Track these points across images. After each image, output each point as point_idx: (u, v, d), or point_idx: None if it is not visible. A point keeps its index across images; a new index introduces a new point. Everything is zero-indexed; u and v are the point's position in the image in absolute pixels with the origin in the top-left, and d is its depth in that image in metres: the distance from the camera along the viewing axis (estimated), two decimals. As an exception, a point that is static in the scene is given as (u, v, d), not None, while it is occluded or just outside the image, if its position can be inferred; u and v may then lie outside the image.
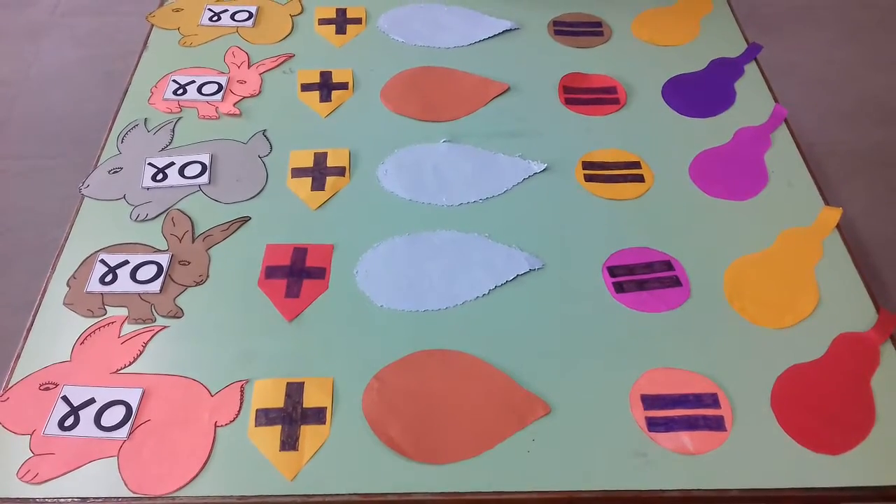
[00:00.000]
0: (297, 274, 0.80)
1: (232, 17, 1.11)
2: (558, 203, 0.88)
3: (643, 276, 0.80)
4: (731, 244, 0.84)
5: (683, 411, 0.70)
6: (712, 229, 0.85)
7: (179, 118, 0.96)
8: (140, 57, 1.05)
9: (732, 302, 0.79)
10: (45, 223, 1.51)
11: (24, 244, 1.51)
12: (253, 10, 1.12)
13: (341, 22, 1.11)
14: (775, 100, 1.01)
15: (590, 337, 0.75)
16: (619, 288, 0.79)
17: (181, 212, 0.85)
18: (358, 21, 1.11)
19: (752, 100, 1.02)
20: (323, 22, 1.11)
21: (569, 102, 1.00)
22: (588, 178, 0.91)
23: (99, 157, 0.92)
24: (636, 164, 0.92)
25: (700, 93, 1.02)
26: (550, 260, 0.82)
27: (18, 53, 1.92)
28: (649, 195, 0.89)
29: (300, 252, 0.82)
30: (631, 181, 0.91)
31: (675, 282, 0.80)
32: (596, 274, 0.81)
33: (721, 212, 0.87)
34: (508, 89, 1.02)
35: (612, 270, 0.81)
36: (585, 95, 1.01)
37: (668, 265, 0.81)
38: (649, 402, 0.70)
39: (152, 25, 1.10)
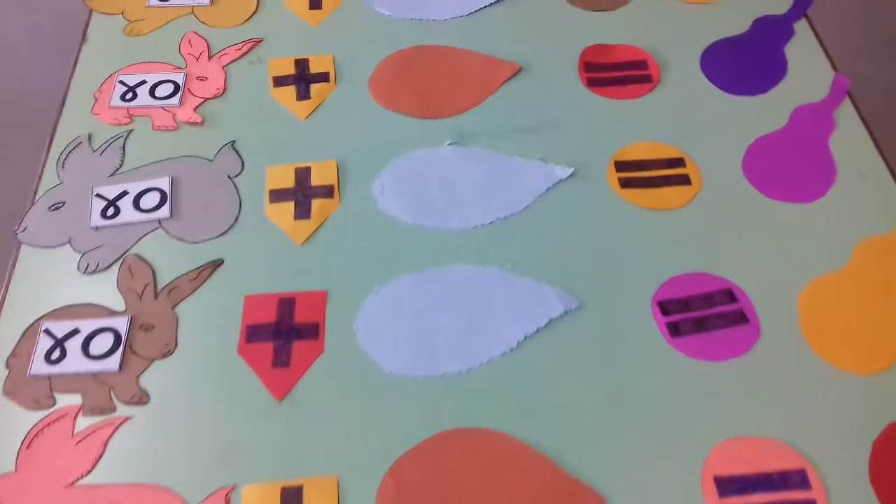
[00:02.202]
0: (284, 334, 0.66)
1: (185, -6, 0.93)
2: (590, 219, 0.73)
3: (702, 313, 0.66)
4: (802, 262, 0.70)
5: (767, 496, 0.57)
6: (778, 243, 0.71)
7: (130, 131, 0.80)
8: (79, 53, 0.88)
9: (811, 340, 0.65)
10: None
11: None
12: (210, -17, 0.94)
13: (315, -8, 0.93)
14: (834, 67, 0.85)
15: (643, 400, 0.62)
16: (675, 330, 0.65)
17: (139, 258, 0.70)
18: (335, -9, 0.93)
19: (806, 68, 0.86)
20: (294, -6, 0.93)
21: (592, 84, 0.84)
22: (623, 183, 0.76)
23: (36, 188, 0.76)
24: (679, 162, 0.77)
25: (745, 62, 0.86)
26: (587, 296, 0.68)
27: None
28: (698, 201, 0.75)
29: (287, 304, 0.67)
30: (675, 184, 0.76)
31: (741, 317, 0.66)
32: (644, 312, 0.67)
33: (785, 219, 0.73)
34: (520, 70, 0.85)
35: (664, 307, 0.67)
36: (611, 73, 0.85)
37: (730, 296, 0.67)
38: (725, 486, 0.58)
39: (91, 11, 0.92)
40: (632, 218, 0.73)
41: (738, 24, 0.90)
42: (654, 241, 0.72)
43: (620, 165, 0.77)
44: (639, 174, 0.76)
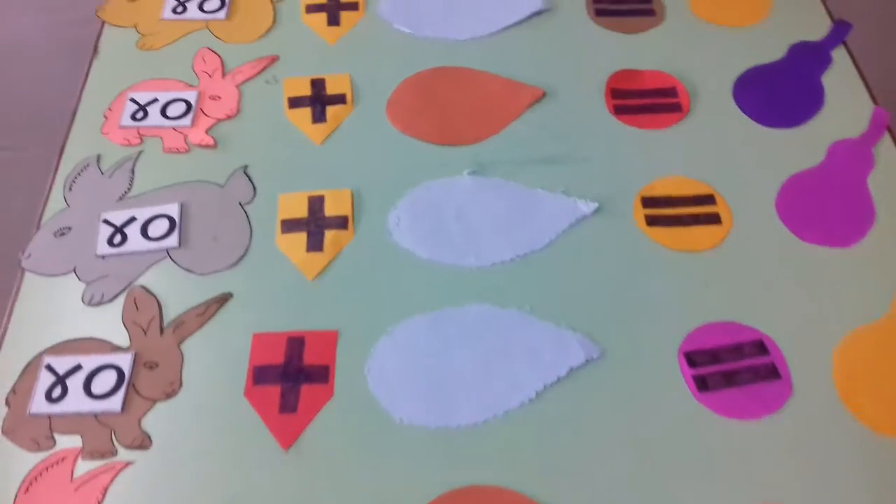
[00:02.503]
0: (293, 377, 0.63)
1: (200, 6, 0.90)
2: (614, 258, 0.70)
3: (731, 366, 0.63)
4: (838, 312, 0.67)
5: (797, 570, 0.54)
6: (812, 291, 0.68)
7: (140, 152, 0.77)
8: (90, 67, 0.85)
9: (847, 399, 0.62)
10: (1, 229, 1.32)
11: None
12: (226, -4, 0.91)
13: (333, 7, 0.90)
14: (873, 99, 0.81)
15: (668, 461, 0.59)
16: (702, 384, 0.62)
17: (145, 290, 0.68)
18: (353, 7, 0.90)
19: (844, 99, 0.82)
20: (311, 9, 0.90)
21: (619, 111, 0.81)
22: (650, 221, 0.72)
23: (42, 211, 0.73)
24: (709, 199, 0.74)
25: (780, 92, 0.83)
26: (609, 343, 0.65)
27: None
28: (729, 243, 0.71)
29: (296, 344, 0.65)
30: (704, 223, 0.72)
31: (773, 371, 0.63)
32: (669, 363, 0.64)
33: (820, 264, 0.70)
34: (544, 96, 0.82)
35: (691, 358, 0.63)
36: (639, 101, 0.82)
37: (761, 347, 0.64)
38: (753, 557, 0.54)
39: (103, 23, 0.89)
40: (658, 259, 0.70)
41: (773, 50, 0.86)
42: (681, 284, 0.68)
43: (647, 201, 0.74)
44: (666, 211, 0.73)
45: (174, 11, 0.90)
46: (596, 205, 0.73)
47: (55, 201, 0.75)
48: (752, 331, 0.65)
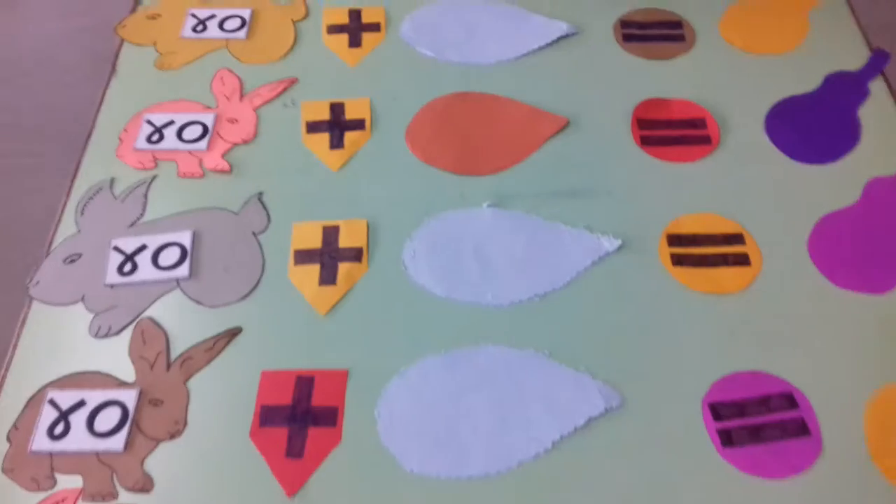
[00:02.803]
0: (300, 419, 0.61)
1: (220, 25, 0.89)
2: (637, 300, 0.67)
3: (758, 420, 0.60)
4: (872, 364, 0.63)
5: None
6: (845, 340, 0.65)
7: (154, 177, 0.76)
8: (107, 87, 0.84)
9: (878, 459, 0.58)
10: (21, 237, 1.31)
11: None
12: (246, 15, 0.89)
13: (355, 29, 0.88)
14: (914, 134, 0.78)
15: (690, 520, 0.56)
16: (727, 439, 0.59)
17: (153, 322, 0.66)
18: (376, 28, 0.88)
19: (882, 134, 0.79)
20: (333, 30, 0.88)
21: (645, 142, 0.78)
22: (676, 261, 0.69)
23: (52, 236, 0.72)
24: (738, 238, 0.71)
25: (815, 125, 0.79)
26: (630, 391, 0.62)
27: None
28: (758, 286, 0.68)
29: (305, 383, 0.63)
30: (733, 264, 0.69)
31: (802, 428, 0.60)
32: (693, 415, 0.61)
33: (853, 311, 0.66)
34: (567, 125, 0.79)
35: (716, 410, 0.61)
36: (666, 132, 0.79)
37: (790, 400, 0.61)
38: None
39: (122, 40, 0.88)
40: (684, 301, 0.67)
41: (807, 80, 0.83)
42: (706, 329, 0.66)
43: (673, 239, 0.71)
44: (693, 250, 0.70)
45: (194, 30, 0.88)
46: (619, 242, 0.70)
47: (66, 225, 0.73)
48: (781, 382, 0.62)
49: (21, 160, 1.46)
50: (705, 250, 0.70)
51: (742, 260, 0.70)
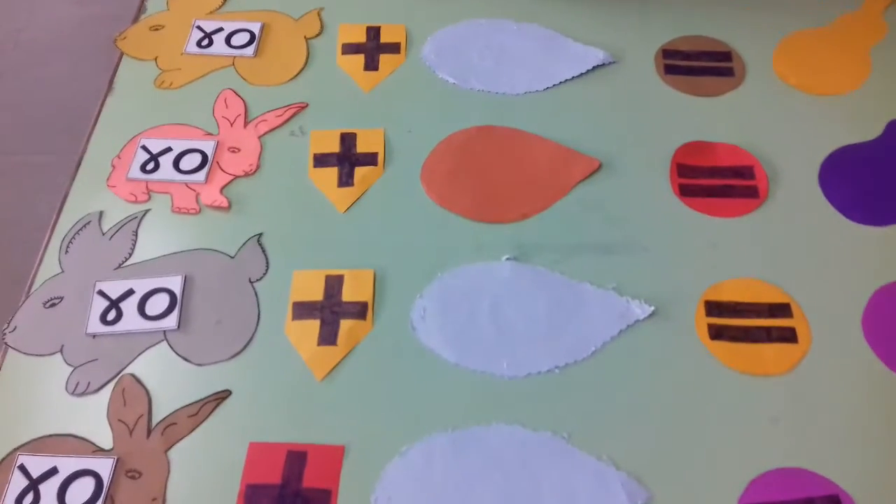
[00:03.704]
0: (289, 502, 0.55)
1: (227, 40, 0.82)
2: (669, 379, 0.60)
3: (800, 531, 0.53)
4: (933, 470, 0.56)
5: None
6: (902, 439, 0.57)
7: (146, 211, 0.70)
8: (102, 105, 0.78)
9: (939, 585, 0.51)
10: (23, 242, 1.26)
11: None
12: (256, 29, 0.83)
13: (372, 50, 0.81)
14: None
15: None
16: (764, 552, 0.52)
17: (135, 380, 0.60)
18: (395, 49, 0.81)
19: (951, 193, 0.70)
20: (348, 50, 0.81)
21: (685, 192, 0.71)
22: (714, 333, 0.62)
23: (34, 276, 0.66)
24: (784, 309, 0.63)
25: (875, 179, 0.72)
26: (659, 487, 0.55)
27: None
28: (805, 368, 0.61)
29: (296, 459, 0.57)
30: (777, 340, 0.62)
31: (850, 542, 0.53)
32: (727, 519, 0.54)
33: (913, 403, 0.59)
34: (600, 167, 0.72)
35: (753, 516, 0.54)
36: (709, 181, 0.71)
37: (837, 507, 0.54)
38: None
39: (122, 54, 0.82)
40: (721, 382, 0.60)
41: (868, 126, 0.75)
42: (746, 416, 0.59)
43: (712, 307, 0.64)
44: (734, 322, 0.63)
45: (199, 45, 0.82)
46: (652, 308, 0.63)
47: (49, 263, 0.67)
48: (827, 483, 0.55)
49: (30, 157, 1.40)
50: (747, 322, 0.63)
51: (788, 336, 0.62)
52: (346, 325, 0.63)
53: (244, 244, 0.68)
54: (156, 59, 0.81)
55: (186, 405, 0.60)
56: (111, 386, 0.61)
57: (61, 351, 0.63)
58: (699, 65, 0.80)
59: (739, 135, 0.75)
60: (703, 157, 0.73)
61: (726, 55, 0.81)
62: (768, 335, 0.62)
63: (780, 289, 0.65)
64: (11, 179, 1.38)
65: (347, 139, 0.75)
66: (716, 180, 0.71)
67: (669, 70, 0.80)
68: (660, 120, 0.76)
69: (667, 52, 0.81)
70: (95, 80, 1.44)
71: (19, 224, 1.35)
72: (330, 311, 0.64)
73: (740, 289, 0.65)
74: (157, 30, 0.84)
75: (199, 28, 0.83)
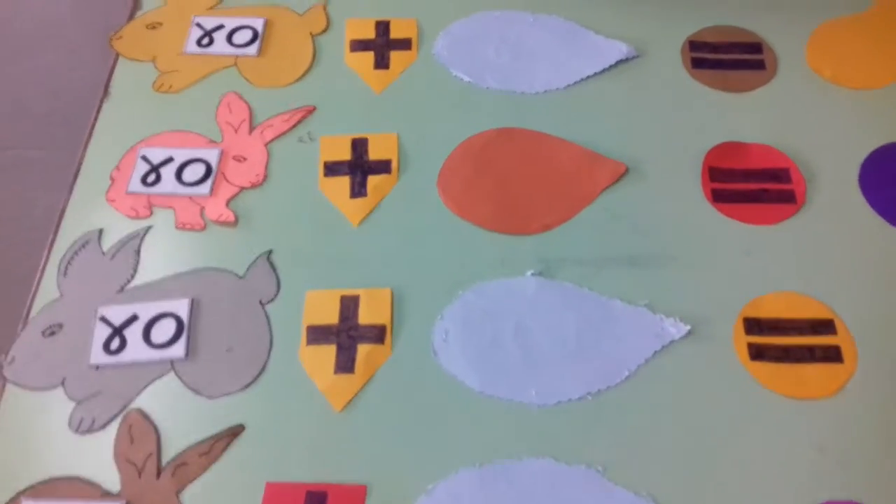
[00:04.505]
0: (310, 549, 0.52)
1: (229, 38, 0.77)
2: (708, 404, 0.57)
3: (853, 572, 0.50)
4: None
5: None
6: (959, 468, 0.54)
7: (149, 228, 0.66)
8: (99, 111, 0.74)
9: None
10: (22, 241, 1.22)
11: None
12: (259, 25, 0.78)
13: (382, 47, 0.76)
14: None
15: None
16: None
17: (143, 416, 0.57)
18: (406, 45, 0.77)
19: None
20: (357, 46, 0.77)
21: (718, 198, 0.67)
22: (755, 353, 0.59)
23: (31, 302, 0.63)
24: (828, 326, 0.60)
25: (919, 181, 0.67)
26: (701, 524, 0.52)
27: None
28: (852, 391, 0.57)
29: (316, 502, 0.53)
30: (821, 359, 0.59)
31: (906, 584, 0.49)
32: (775, 560, 0.50)
33: (969, 428, 0.55)
34: (626, 172, 0.68)
35: (803, 556, 0.50)
36: (743, 185, 0.67)
37: (892, 547, 0.50)
38: None
39: (117, 55, 0.77)
40: (763, 407, 0.57)
41: (910, 122, 0.71)
42: (790, 445, 0.55)
43: (751, 325, 0.60)
44: (775, 340, 0.59)
45: (199, 43, 0.77)
46: (688, 328, 0.60)
47: (47, 286, 0.63)
48: (881, 519, 0.52)
49: (26, 152, 1.36)
50: (788, 340, 0.59)
51: (832, 355, 0.59)
52: (363, 350, 0.60)
53: (253, 262, 0.64)
54: (154, 59, 0.77)
55: (198, 443, 0.56)
56: (117, 421, 0.57)
57: (63, 384, 0.59)
58: (728, 58, 0.75)
59: (773, 134, 0.70)
60: (736, 159, 0.69)
61: (756, 47, 0.76)
62: (811, 354, 0.59)
63: (823, 303, 0.61)
64: (7, 175, 1.34)
65: (359, 145, 0.70)
66: (750, 184, 0.67)
67: (697, 64, 0.75)
68: (688, 118, 0.72)
69: (693, 45, 0.76)
70: (90, 69, 1.39)
71: (17, 221, 1.31)
72: (346, 336, 0.61)
73: (781, 303, 0.61)
74: (154, 28, 0.79)
75: (199, 25, 0.79)
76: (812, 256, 0.64)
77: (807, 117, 0.71)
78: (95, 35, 1.53)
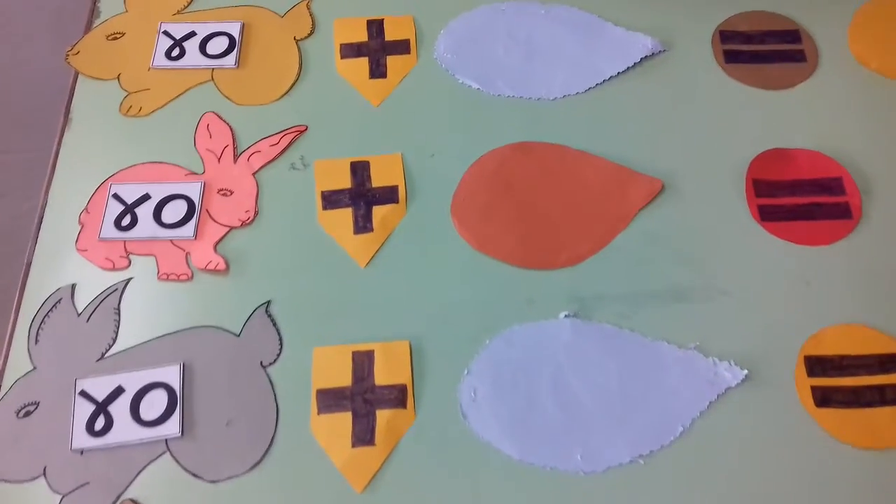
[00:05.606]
0: None
1: (202, 48, 0.68)
2: (773, 462, 0.51)
3: None
4: None
5: None
6: None
7: (128, 280, 0.58)
8: (60, 142, 0.65)
9: None
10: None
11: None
12: (235, 30, 0.69)
13: (377, 51, 0.68)
14: None
15: None
16: None
17: (137, 508, 0.50)
18: (403, 48, 0.68)
19: None
20: (348, 52, 0.68)
21: (765, 216, 0.60)
22: (820, 399, 0.53)
23: (1, 376, 0.55)
24: (899, 363, 0.53)
25: (984, 186, 0.60)
26: None
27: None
28: (932, 439, 0.51)
29: None
30: (893, 402, 0.52)
31: None
32: None
33: None
34: (662, 189, 0.60)
35: None
36: (792, 199, 0.60)
37: None
38: None
39: (76, 73, 0.68)
40: (837, 460, 0.51)
41: (968, 117, 0.64)
42: (866, 499, 0.49)
43: (814, 364, 0.54)
44: (841, 382, 0.53)
45: (168, 56, 0.68)
46: (745, 372, 0.53)
47: (18, 357, 0.55)
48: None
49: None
50: (856, 381, 0.53)
51: (910, 397, 0.52)
52: (383, 416, 0.53)
53: (250, 317, 0.56)
54: (118, 77, 0.68)
55: (202, 538, 0.49)
56: (108, 516, 0.50)
57: (44, 474, 0.52)
58: (764, 49, 0.68)
59: (820, 137, 0.63)
60: (781, 169, 0.62)
61: (794, 35, 0.68)
62: (882, 397, 0.53)
63: (891, 336, 0.54)
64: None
65: (359, 169, 0.62)
66: (799, 198, 0.60)
67: (730, 57, 0.67)
68: (725, 122, 0.64)
69: (724, 35, 0.68)
70: (48, 60, 1.28)
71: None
72: (362, 400, 0.53)
73: (845, 338, 0.55)
74: (115, 38, 0.69)
75: (167, 34, 0.69)
76: (874, 281, 0.57)
77: (855, 116, 0.64)
78: (45, 24, 1.41)
